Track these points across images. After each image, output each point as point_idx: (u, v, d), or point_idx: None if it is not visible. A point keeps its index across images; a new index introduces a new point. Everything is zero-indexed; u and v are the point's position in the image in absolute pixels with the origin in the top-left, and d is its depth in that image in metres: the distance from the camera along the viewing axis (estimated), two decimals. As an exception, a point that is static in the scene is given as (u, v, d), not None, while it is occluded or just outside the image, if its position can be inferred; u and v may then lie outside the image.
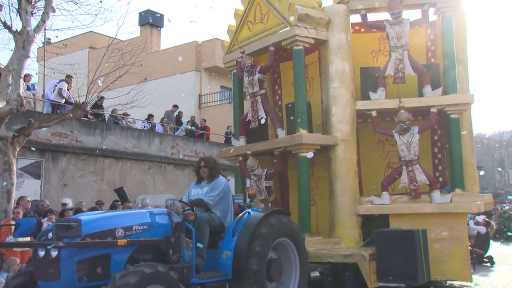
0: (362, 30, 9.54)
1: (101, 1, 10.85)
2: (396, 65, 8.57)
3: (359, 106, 8.63)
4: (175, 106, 19.61)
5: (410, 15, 8.95)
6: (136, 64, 10.28)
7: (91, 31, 22.86)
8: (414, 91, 8.89)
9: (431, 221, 8.20)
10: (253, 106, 8.90)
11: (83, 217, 4.80)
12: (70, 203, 11.10)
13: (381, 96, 8.62)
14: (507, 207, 29.33)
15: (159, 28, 27.88)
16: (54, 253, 4.29)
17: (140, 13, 26.36)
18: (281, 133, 8.61)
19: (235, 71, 9.45)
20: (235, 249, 5.50)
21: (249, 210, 5.95)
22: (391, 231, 7.67)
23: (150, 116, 18.15)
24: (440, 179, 9.06)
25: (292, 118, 8.41)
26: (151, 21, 26.26)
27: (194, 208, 5.69)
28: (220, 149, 11.80)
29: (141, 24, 26.64)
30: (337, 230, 8.36)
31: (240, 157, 9.07)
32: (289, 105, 8.76)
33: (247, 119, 9.04)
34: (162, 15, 28.16)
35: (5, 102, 8.46)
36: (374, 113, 8.54)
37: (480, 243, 13.11)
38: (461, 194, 8.21)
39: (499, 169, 52.23)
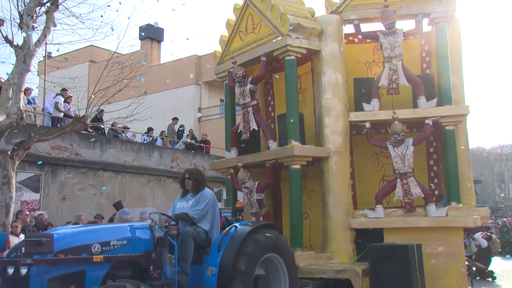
0: (356, 40, 9.40)
1: (102, 16, 11.29)
2: (390, 76, 8.41)
3: (353, 117, 8.45)
4: (175, 119, 19.66)
5: (404, 25, 8.85)
6: (136, 77, 10.39)
7: (91, 45, 23.13)
8: (409, 102, 8.74)
9: (426, 235, 7.99)
10: (244, 117, 8.72)
11: (57, 232, 4.57)
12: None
13: (375, 107, 8.45)
14: (505, 219, 29.06)
15: (159, 42, 28.30)
16: (23, 271, 4.04)
17: (140, 27, 26.60)
18: (273, 144, 8.42)
19: (227, 81, 9.29)
20: (220, 266, 5.26)
21: (236, 224, 5.72)
22: (384, 246, 7.44)
23: (150, 130, 18.26)
24: (436, 192, 8.86)
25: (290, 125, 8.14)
26: (151, 33, 26.58)
27: (179, 222, 5.47)
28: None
29: (142, 38, 26.86)
30: (330, 244, 8.13)
31: (232, 170, 8.87)
32: (281, 116, 8.58)
33: (239, 131, 8.85)
34: (162, 29, 28.61)
35: (5, 116, 8.50)
36: (367, 125, 8.36)
37: (481, 257, 12.85)
38: (457, 208, 8.00)
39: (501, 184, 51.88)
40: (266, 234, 5.73)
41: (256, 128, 8.57)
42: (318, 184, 8.65)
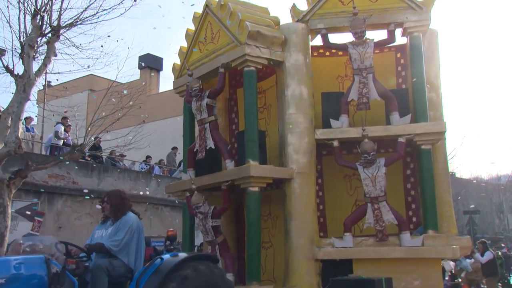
0: (327, 53, 8.69)
1: (102, 46, 11.16)
2: (359, 89, 7.65)
3: (319, 135, 7.65)
4: (175, 148, 19.35)
5: (377, 36, 8.13)
6: (135, 106, 10.58)
7: (91, 74, 23.33)
8: (383, 119, 7.96)
9: (400, 267, 7.10)
10: (201, 135, 7.92)
11: None
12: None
13: (343, 124, 7.66)
14: (499, 252, 28.12)
15: (158, 71, 28.90)
16: None
17: (140, 57, 26.87)
18: (230, 164, 7.59)
19: (185, 96, 8.51)
20: (139, 306, 4.38)
21: (162, 256, 4.82)
22: (349, 280, 6.54)
23: (148, 158, 18.27)
24: (414, 219, 7.99)
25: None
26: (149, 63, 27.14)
27: (93, 255, 4.59)
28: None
29: (141, 67, 27.11)
30: (291, 277, 7.21)
31: (188, 193, 8.01)
32: (241, 134, 7.78)
33: (195, 149, 8.04)
34: (161, 59, 29.53)
35: (3, 144, 8.57)
36: (335, 143, 7.56)
37: (488, 271, 12.54)
38: (434, 237, 7.12)
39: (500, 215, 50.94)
40: (199, 267, 4.85)
41: (213, 147, 7.75)
42: (283, 209, 7.78)
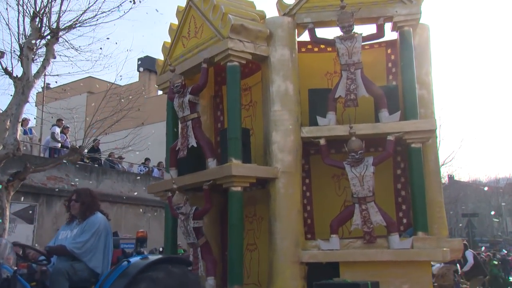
0: (316, 49, 8.40)
1: (101, 48, 11.36)
2: (347, 85, 7.35)
3: (305, 133, 7.35)
4: None
5: (366, 30, 7.84)
6: (134, 108, 10.64)
7: (90, 76, 23.38)
8: (373, 117, 7.67)
9: (389, 270, 6.80)
10: (183, 133, 7.63)
11: None
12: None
13: (330, 122, 7.36)
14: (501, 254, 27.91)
15: (157, 74, 28.29)
16: None
17: (139, 59, 26.71)
18: (212, 163, 7.29)
19: (167, 93, 8.23)
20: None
21: (129, 259, 4.51)
22: (333, 284, 6.22)
23: (147, 160, 18.38)
24: (404, 220, 7.70)
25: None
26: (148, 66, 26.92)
27: (54, 258, 4.28)
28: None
29: (140, 70, 27.14)
30: (275, 281, 6.90)
31: (169, 193, 7.70)
32: (224, 132, 7.48)
33: (177, 148, 7.74)
34: None
35: (2, 146, 8.58)
36: (322, 141, 7.26)
37: (472, 272, 12.45)
38: (424, 239, 6.82)
39: (496, 219, 50.72)
40: (171, 270, 4.54)
41: (195, 145, 7.45)
42: (268, 210, 7.48)
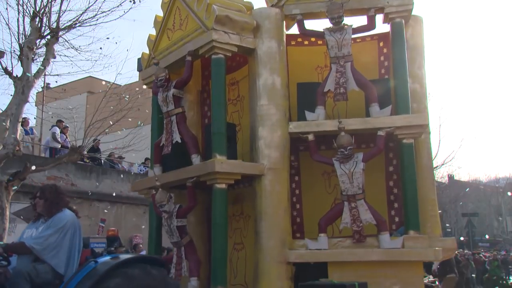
0: (306, 42, 8.14)
1: (101, 48, 11.64)
2: (337, 79, 7.09)
3: (293, 128, 7.09)
4: None
5: (357, 23, 7.58)
6: (134, 108, 10.70)
7: (90, 76, 23.31)
8: (364, 112, 7.40)
9: (379, 271, 6.54)
10: (167, 128, 7.36)
11: None
12: None
13: (319, 116, 7.09)
14: (501, 253, 27.72)
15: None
16: None
17: (139, 59, 26.51)
18: (196, 159, 7.03)
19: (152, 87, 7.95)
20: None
21: (97, 259, 4.23)
22: (319, 285, 5.97)
23: (147, 160, 18.23)
24: (396, 219, 7.41)
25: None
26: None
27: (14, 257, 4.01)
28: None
29: (140, 69, 26.63)
30: (261, 281, 6.64)
31: (154, 191, 7.44)
32: (209, 127, 7.21)
33: (161, 144, 7.48)
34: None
35: (1, 146, 8.63)
36: (310, 137, 6.99)
37: (443, 270, 12.16)
38: (415, 238, 6.55)
39: (500, 219, 50.55)
40: (142, 272, 4.26)
41: (180, 141, 7.20)
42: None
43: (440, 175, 36.70)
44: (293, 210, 7.52)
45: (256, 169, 6.85)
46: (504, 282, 19.94)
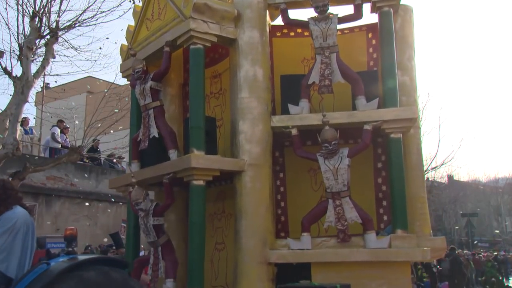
0: (292, 34, 7.80)
1: (100, 48, 12.46)
2: (321, 70, 6.75)
3: (275, 122, 6.76)
4: None
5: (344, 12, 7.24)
6: None
7: (89, 76, 23.07)
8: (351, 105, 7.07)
9: (364, 271, 6.21)
10: (144, 122, 7.04)
11: None
12: None
13: (303, 110, 6.76)
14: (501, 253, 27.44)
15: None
16: None
17: None
18: (173, 155, 6.70)
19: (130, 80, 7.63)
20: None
21: (51, 260, 3.88)
22: (298, 287, 5.63)
23: None
24: (385, 217, 7.07)
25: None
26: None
27: None
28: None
29: None
30: (241, 282, 6.31)
31: (131, 188, 7.10)
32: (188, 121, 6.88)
33: (139, 139, 7.15)
34: None
35: (1, 146, 8.65)
36: (294, 131, 6.66)
37: None
38: (402, 237, 6.21)
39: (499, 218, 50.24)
40: (99, 276, 3.90)
41: (157, 135, 6.87)
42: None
43: (440, 175, 36.42)
44: (277, 208, 7.20)
45: (236, 165, 6.51)
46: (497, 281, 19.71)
